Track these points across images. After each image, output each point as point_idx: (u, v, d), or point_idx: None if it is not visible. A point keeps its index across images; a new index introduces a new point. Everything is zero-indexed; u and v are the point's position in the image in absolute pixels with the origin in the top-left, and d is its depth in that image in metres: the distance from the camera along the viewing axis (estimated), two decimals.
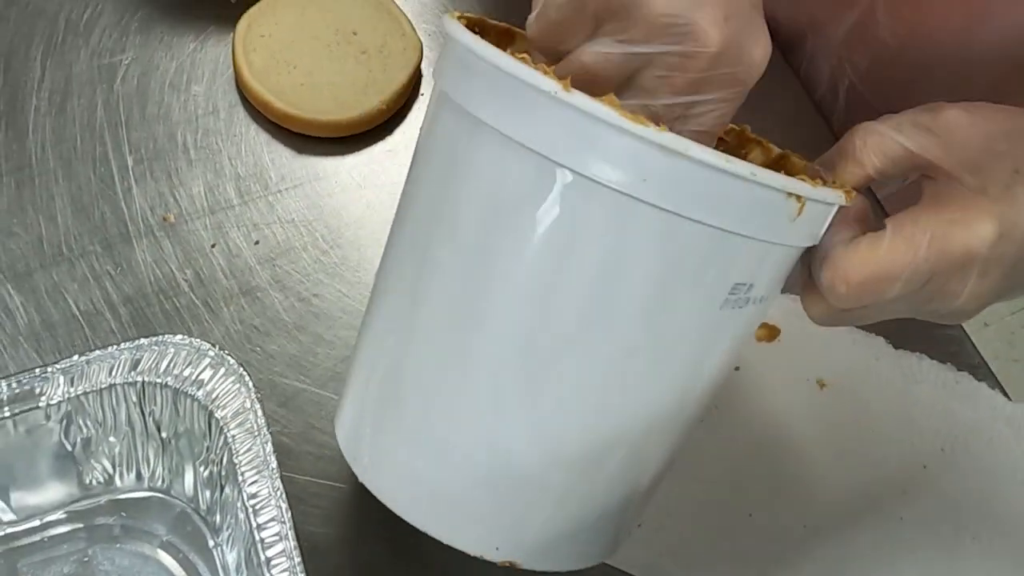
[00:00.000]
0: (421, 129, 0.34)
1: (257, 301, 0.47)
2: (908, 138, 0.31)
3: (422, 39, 0.52)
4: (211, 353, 0.37)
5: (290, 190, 0.50)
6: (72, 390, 0.36)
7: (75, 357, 0.36)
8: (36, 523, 0.39)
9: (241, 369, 0.37)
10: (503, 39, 0.36)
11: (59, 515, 0.40)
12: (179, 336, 0.37)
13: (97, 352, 0.37)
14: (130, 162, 0.49)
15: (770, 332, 0.49)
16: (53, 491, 0.40)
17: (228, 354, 0.38)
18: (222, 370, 0.37)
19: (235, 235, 0.48)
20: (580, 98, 0.28)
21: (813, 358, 0.49)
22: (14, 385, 0.36)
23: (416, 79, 0.52)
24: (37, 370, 0.36)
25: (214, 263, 0.47)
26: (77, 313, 0.45)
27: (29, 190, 0.48)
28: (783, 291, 0.50)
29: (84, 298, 0.46)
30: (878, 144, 0.32)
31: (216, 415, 0.36)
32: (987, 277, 0.31)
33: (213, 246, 0.48)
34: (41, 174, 0.48)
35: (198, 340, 0.37)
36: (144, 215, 0.48)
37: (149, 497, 0.40)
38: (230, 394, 0.37)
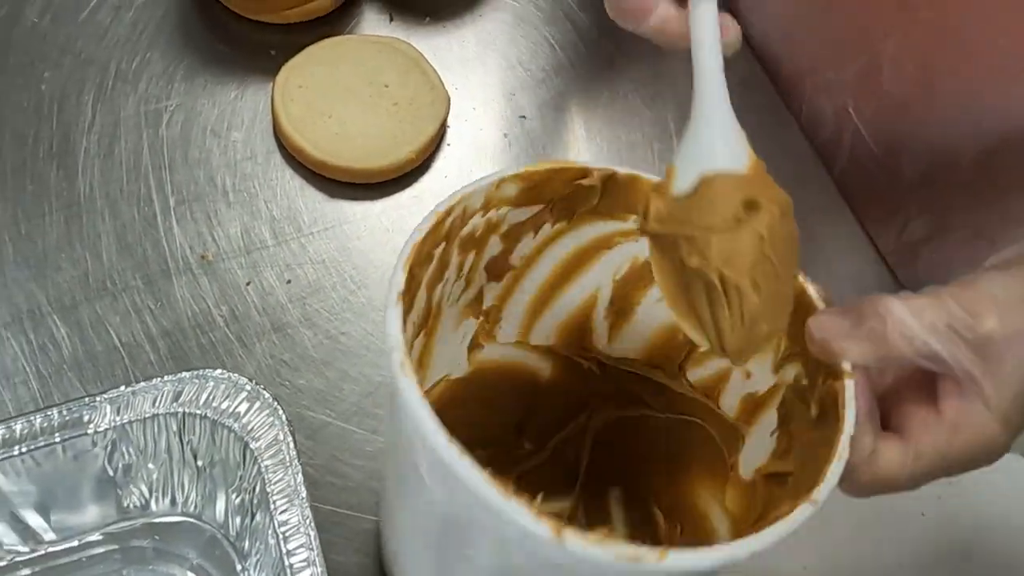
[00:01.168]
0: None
1: (288, 337, 0.49)
2: (944, 347, 0.30)
3: (449, 93, 0.55)
4: (248, 387, 0.40)
5: (321, 232, 0.52)
6: (118, 419, 0.38)
7: (122, 388, 0.39)
8: (75, 543, 0.42)
9: (275, 403, 0.39)
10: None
11: (96, 536, 0.42)
12: (218, 371, 0.40)
13: (142, 384, 0.39)
14: (172, 203, 0.52)
15: None
16: (92, 513, 0.42)
17: (263, 388, 0.40)
18: (257, 403, 0.40)
19: (268, 274, 0.51)
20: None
21: None
22: (64, 413, 0.38)
23: (443, 131, 0.55)
24: (86, 399, 0.39)
25: (248, 300, 0.50)
26: (118, 345, 0.48)
27: (77, 227, 0.51)
28: None
29: (125, 331, 0.48)
30: (905, 339, 0.30)
31: (251, 446, 0.38)
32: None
33: (248, 284, 0.50)
34: (88, 212, 0.51)
35: (236, 375, 0.40)
36: (184, 253, 0.51)
37: (182, 522, 0.42)
38: (264, 426, 0.39)
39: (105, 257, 0.50)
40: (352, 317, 0.50)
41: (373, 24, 0.59)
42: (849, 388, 0.32)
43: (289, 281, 0.51)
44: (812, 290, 0.34)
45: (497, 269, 0.39)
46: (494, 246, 0.38)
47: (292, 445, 0.39)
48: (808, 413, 0.34)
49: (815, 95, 0.59)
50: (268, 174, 0.54)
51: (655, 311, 0.40)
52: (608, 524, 0.45)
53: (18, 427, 0.38)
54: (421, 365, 0.39)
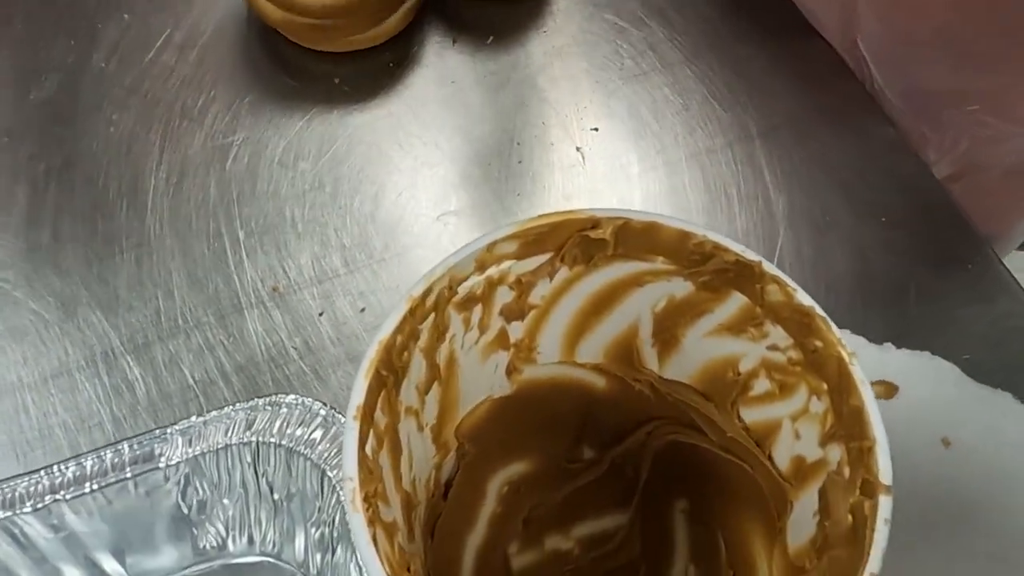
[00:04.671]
0: None
1: None
2: None
3: (517, 111, 0.53)
4: (323, 412, 0.38)
5: (393, 258, 0.51)
6: (190, 450, 0.37)
7: (193, 418, 0.37)
8: None
9: None
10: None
11: None
12: (291, 396, 0.38)
13: (213, 413, 0.37)
14: (241, 236, 0.51)
15: (887, 389, 0.47)
16: (168, 555, 0.40)
17: (339, 412, 0.38)
18: (333, 429, 0.37)
19: (341, 303, 0.49)
20: None
21: (936, 415, 0.47)
22: (135, 446, 0.37)
23: None
24: (157, 431, 0.37)
25: (321, 331, 0.48)
26: (192, 383, 0.46)
27: (147, 266, 0.50)
28: (900, 345, 0.49)
29: (199, 368, 0.47)
30: None
31: (328, 474, 0.36)
32: None
33: (321, 314, 0.49)
34: (158, 250, 0.50)
35: (310, 400, 0.38)
36: (255, 286, 0.49)
37: (260, 562, 0.40)
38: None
39: (176, 295, 0.49)
40: None
41: (436, 47, 0.57)
42: (884, 506, 0.28)
43: (363, 309, 0.49)
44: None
45: (515, 312, 0.36)
46: (503, 295, 0.34)
47: None
48: (844, 518, 0.30)
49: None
50: (337, 202, 0.52)
51: (704, 345, 0.36)
52: (669, 544, 0.41)
53: (88, 463, 0.36)
54: (445, 408, 0.36)
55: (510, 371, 0.39)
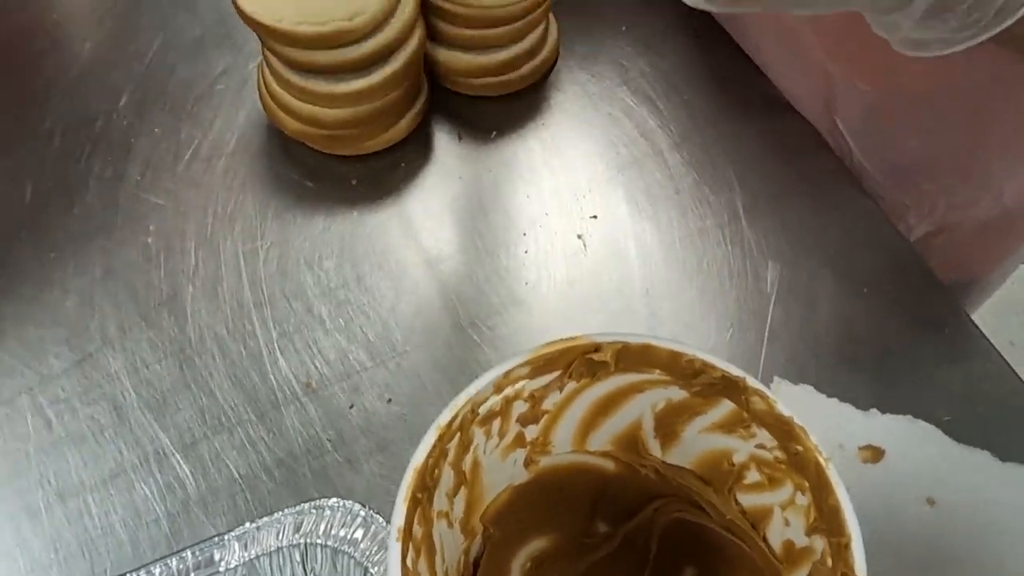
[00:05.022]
0: None
1: (393, 456, 0.51)
2: None
3: (522, 202, 0.58)
4: (362, 513, 0.42)
5: (415, 350, 0.55)
6: (246, 554, 0.41)
7: (247, 524, 0.42)
8: None
9: (388, 525, 0.41)
10: None
11: None
12: (333, 499, 0.42)
13: (265, 519, 0.42)
14: (275, 335, 0.55)
15: (875, 454, 0.51)
16: None
17: (377, 511, 0.42)
18: (372, 527, 0.42)
19: (369, 396, 0.53)
20: None
21: (920, 476, 0.51)
22: (197, 553, 0.41)
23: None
24: (215, 538, 0.41)
25: (353, 423, 0.53)
26: (238, 477, 0.51)
27: (190, 368, 0.54)
28: (883, 409, 0.53)
29: (243, 463, 0.51)
30: None
31: (371, 571, 0.41)
32: None
33: (351, 407, 0.53)
34: (199, 353, 0.55)
35: (350, 502, 0.42)
36: (290, 383, 0.54)
37: None
38: (381, 549, 0.41)
39: (218, 394, 0.54)
40: None
41: (444, 143, 0.62)
42: None
43: (389, 400, 0.53)
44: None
45: (530, 419, 0.41)
46: (519, 407, 0.39)
47: None
48: None
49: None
50: (359, 298, 0.57)
51: (701, 439, 0.41)
52: None
53: (157, 571, 0.41)
54: (471, 503, 0.41)
55: (527, 463, 0.43)
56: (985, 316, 0.69)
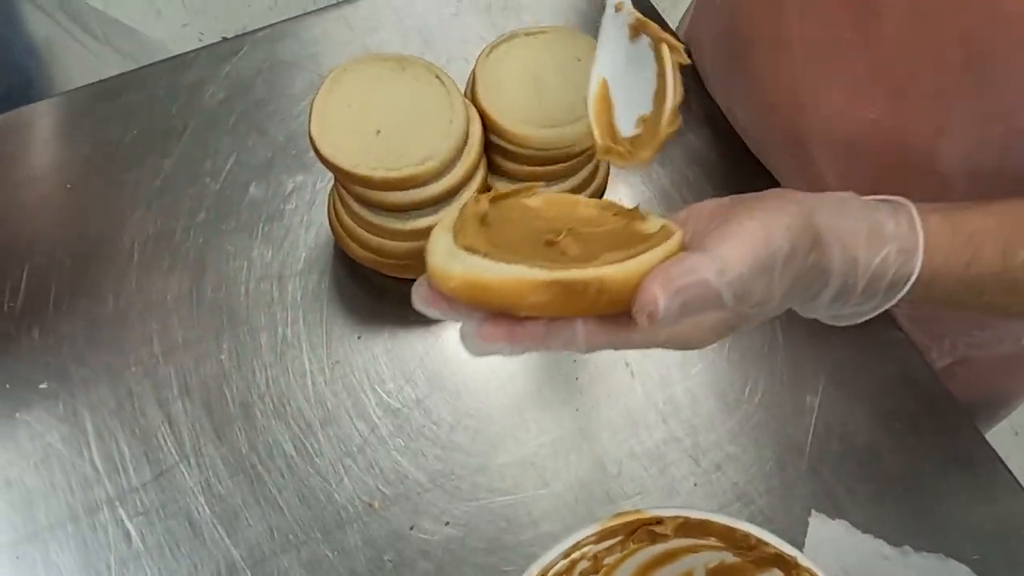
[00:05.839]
0: None
1: None
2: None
3: None
4: None
5: (473, 473, 0.58)
6: None
7: None
8: None
9: None
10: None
11: None
12: None
13: None
14: (340, 455, 0.59)
15: None
16: None
17: None
18: None
19: (427, 518, 0.57)
20: None
21: None
22: None
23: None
24: None
25: (413, 544, 0.56)
26: None
27: (260, 486, 0.58)
28: (916, 547, 0.56)
29: None
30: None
31: None
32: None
33: (411, 528, 0.56)
34: (269, 471, 0.58)
35: None
36: (353, 502, 0.57)
37: None
38: None
39: (287, 511, 0.57)
40: (510, 555, 0.55)
41: None
42: None
43: (447, 523, 0.57)
44: None
45: (591, 571, 0.44)
46: (582, 565, 0.43)
47: None
48: None
49: None
50: (420, 420, 0.60)
51: None
52: None
53: None
54: None
55: None
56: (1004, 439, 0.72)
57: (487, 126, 0.60)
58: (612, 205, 0.40)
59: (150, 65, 0.74)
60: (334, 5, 0.78)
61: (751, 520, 0.55)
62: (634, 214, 0.39)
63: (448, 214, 0.43)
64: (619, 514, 0.40)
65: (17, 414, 0.60)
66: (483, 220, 0.37)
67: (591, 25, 0.75)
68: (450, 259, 0.34)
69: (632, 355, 0.63)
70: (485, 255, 0.33)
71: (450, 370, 0.62)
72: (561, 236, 0.35)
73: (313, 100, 0.58)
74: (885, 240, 0.41)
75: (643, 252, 0.34)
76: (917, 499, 0.58)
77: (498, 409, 0.61)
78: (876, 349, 0.63)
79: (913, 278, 0.42)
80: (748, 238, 0.36)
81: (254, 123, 0.71)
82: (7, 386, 0.61)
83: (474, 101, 0.61)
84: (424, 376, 0.62)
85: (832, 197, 0.42)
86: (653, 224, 0.38)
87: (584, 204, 0.40)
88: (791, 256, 0.37)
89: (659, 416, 0.60)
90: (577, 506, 0.57)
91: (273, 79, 0.73)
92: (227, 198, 0.68)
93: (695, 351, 0.62)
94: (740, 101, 0.69)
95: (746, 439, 0.60)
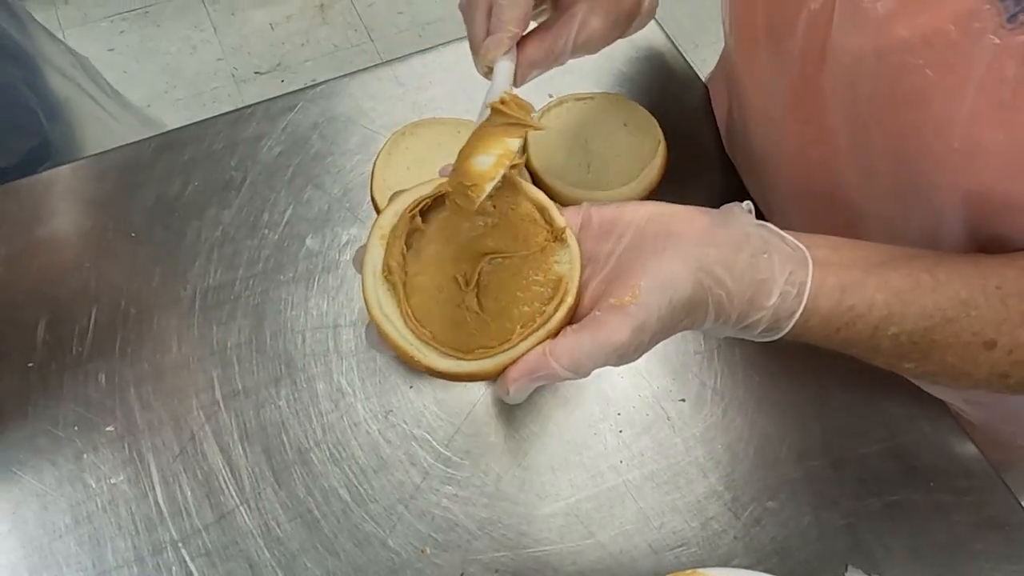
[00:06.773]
0: None
1: None
2: None
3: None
4: None
5: (519, 523, 0.61)
6: None
7: None
8: None
9: None
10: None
11: None
12: None
13: None
14: (394, 502, 0.61)
15: None
16: None
17: None
18: None
19: (477, 565, 0.59)
20: None
21: None
22: None
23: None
24: None
25: None
26: None
27: (317, 531, 0.60)
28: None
29: None
30: None
31: None
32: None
33: (461, 575, 0.59)
34: (325, 516, 0.61)
35: None
36: (406, 549, 0.59)
37: None
38: None
39: (343, 556, 0.59)
40: None
41: None
42: None
43: (496, 571, 0.59)
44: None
45: None
46: None
47: None
48: None
49: None
50: (469, 469, 0.63)
51: None
52: None
53: None
54: None
55: None
56: None
57: (538, 187, 0.63)
58: (547, 210, 0.48)
59: (209, 119, 0.78)
60: (386, 63, 0.81)
61: (790, 575, 0.57)
62: (557, 232, 0.47)
63: (388, 216, 0.49)
64: (673, 574, 0.43)
65: (85, 456, 0.62)
66: (410, 237, 0.47)
67: (638, 90, 0.78)
68: (375, 291, 0.46)
69: (673, 411, 0.65)
70: (397, 296, 0.46)
71: (497, 421, 0.65)
72: (471, 286, 0.46)
73: (375, 163, 0.61)
74: (764, 308, 0.46)
75: (519, 341, 0.45)
76: (951, 557, 0.60)
77: (544, 460, 0.63)
78: (909, 408, 0.66)
79: (781, 335, 0.47)
80: (615, 330, 0.43)
81: (310, 176, 0.74)
82: (75, 428, 0.63)
83: (526, 163, 0.64)
84: (472, 427, 0.64)
85: (732, 249, 0.45)
86: (563, 257, 0.47)
87: (528, 197, 0.49)
88: (658, 332, 0.44)
89: (700, 471, 0.63)
90: (621, 556, 0.60)
91: (328, 134, 0.77)
92: (284, 249, 0.71)
93: (735, 408, 0.64)
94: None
95: (784, 495, 0.62)
